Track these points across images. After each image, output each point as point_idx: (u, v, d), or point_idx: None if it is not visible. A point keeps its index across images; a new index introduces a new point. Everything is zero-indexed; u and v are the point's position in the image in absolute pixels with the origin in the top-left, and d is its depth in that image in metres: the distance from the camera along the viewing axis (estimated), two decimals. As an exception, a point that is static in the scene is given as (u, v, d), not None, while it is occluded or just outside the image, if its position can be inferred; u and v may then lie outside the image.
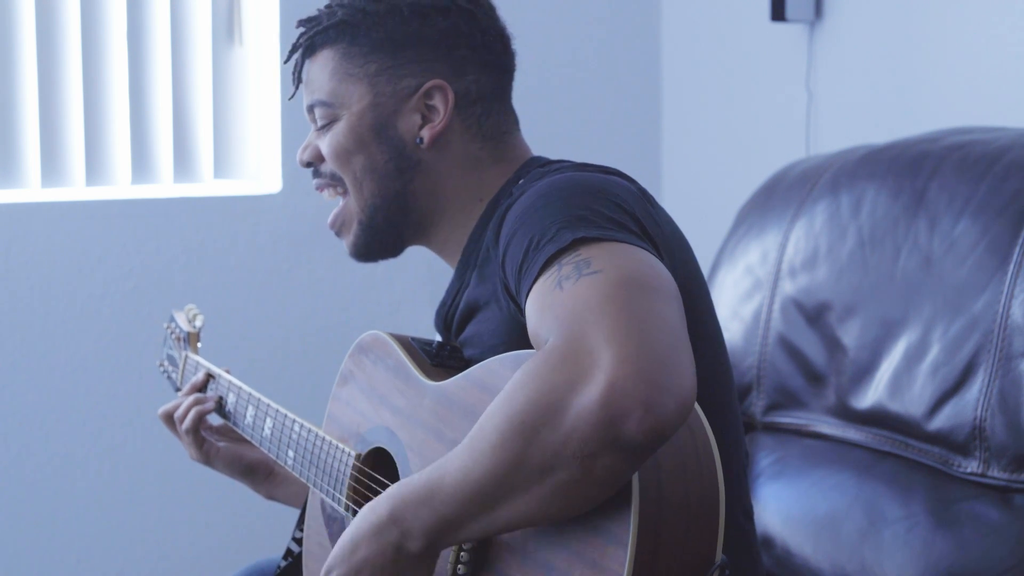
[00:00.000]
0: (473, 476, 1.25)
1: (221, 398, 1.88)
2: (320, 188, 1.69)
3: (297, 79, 1.68)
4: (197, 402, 1.88)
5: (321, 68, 1.64)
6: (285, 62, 1.70)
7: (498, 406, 1.25)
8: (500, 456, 1.23)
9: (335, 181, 1.66)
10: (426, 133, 1.61)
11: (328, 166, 1.65)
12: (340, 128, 1.63)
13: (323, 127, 1.65)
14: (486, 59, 1.63)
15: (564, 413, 1.20)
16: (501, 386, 1.27)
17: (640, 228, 1.40)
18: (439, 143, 1.61)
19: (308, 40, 1.65)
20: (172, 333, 2.05)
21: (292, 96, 1.71)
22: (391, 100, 1.61)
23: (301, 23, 1.67)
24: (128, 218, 2.83)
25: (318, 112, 1.65)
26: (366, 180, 1.63)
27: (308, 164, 1.68)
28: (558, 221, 1.36)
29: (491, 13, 1.65)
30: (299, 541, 1.77)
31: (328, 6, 1.66)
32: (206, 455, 1.89)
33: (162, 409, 1.91)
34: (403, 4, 1.61)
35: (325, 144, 1.64)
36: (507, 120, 1.65)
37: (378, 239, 1.66)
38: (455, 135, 1.62)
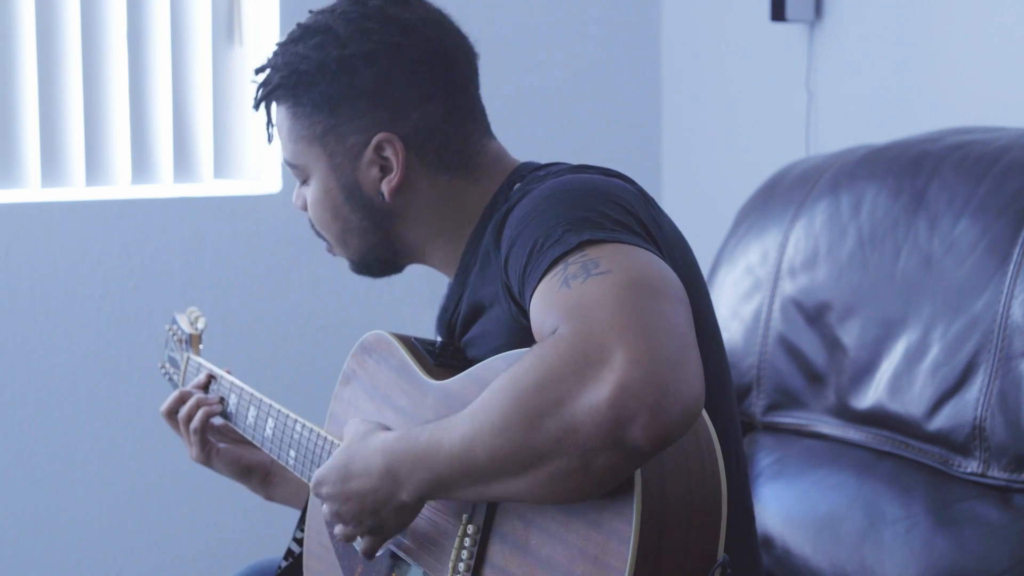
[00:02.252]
0: (472, 450, 1.27)
1: (223, 399, 1.88)
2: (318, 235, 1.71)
3: (270, 126, 1.66)
4: (202, 402, 1.88)
5: (280, 125, 1.64)
6: (255, 109, 1.66)
7: (505, 383, 1.25)
8: (502, 437, 1.24)
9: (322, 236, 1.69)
10: (384, 188, 1.59)
11: None
12: (314, 197, 1.63)
13: (303, 183, 1.66)
14: (426, 90, 1.57)
15: (571, 405, 1.20)
16: (503, 384, 1.27)
17: (644, 230, 1.40)
18: (403, 191, 1.59)
19: (263, 98, 1.63)
20: (174, 335, 2.05)
21: (271, 142, 1.69)
22: (346, 160, 1.59)
23: (257, 72, 1.64)
24: (128, 218, 2.83)
25: (291, 170, 1.66)
26: (348, 238, 1.65)
27: (305, 208, 1.69)
28: (562, 223, 1.36)
29: (422, 32, 1.58)
30: (300, 541, 1.77)
31: (272, 60, 1.62)
32: (207, 455, 1.89)
33: (164, 406, 1.91)
34: (330, 60, 1.56)
35: (308, 206, 1.65)
36: (471, 140, 1.61)
37: (374, 270, 1.69)
38: (418, 176, 1.59)
